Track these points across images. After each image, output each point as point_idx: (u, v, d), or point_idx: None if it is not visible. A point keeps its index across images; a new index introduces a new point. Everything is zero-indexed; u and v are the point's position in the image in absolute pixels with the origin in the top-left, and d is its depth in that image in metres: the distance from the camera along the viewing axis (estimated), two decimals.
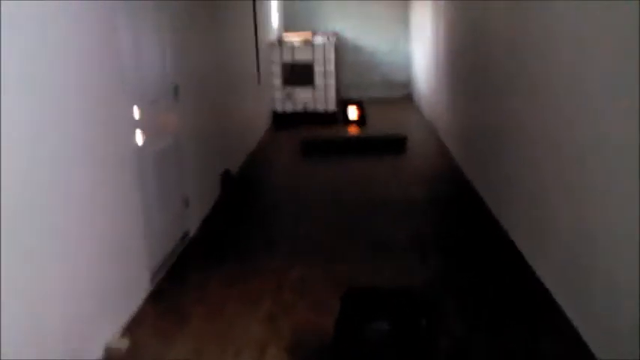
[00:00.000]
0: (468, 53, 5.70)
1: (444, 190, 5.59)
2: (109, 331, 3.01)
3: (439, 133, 7.69)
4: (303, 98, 9.12)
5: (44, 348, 2.41)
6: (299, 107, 9.13)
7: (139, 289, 3.44)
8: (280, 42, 9.05)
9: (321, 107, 9.12)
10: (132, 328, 3.17)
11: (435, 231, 4.52)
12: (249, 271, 3.84)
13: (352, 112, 8.84)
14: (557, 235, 3.30)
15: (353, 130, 8.56)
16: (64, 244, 2.61)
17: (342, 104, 9.08)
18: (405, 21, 11.16)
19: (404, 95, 11.14)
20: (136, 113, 3.47)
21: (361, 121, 8.78)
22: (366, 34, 11.16)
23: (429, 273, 3.77)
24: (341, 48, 10.48)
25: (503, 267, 3.81)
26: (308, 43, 8.99)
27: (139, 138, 3.51)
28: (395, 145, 7.15)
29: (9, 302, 2.16)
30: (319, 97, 9.09)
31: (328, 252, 4.14)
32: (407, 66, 11.20)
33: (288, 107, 9.15)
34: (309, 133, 7.79)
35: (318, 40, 9.05)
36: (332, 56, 8.96)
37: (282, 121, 9.05)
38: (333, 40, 9.15)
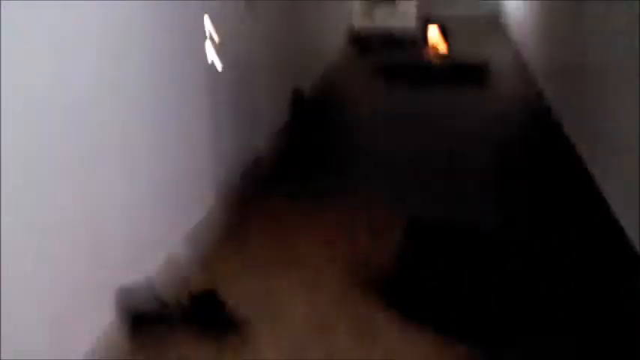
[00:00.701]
0: None
1: (527, 131, 5.25)
2: (178, 234, 3.07)
3: (528, 63, 7.19)
4: (383, 16, 8.72)
5: (106, 255, 2.49)
6: (378, 25, 8.76)
7: (206, 199, 3.47)
8: None
9: (400, 26, 8.71)
10: (198, 235, 3.23)
11: (515, 181, 4.28)
12: (313, 197, 3.81)
13: (434, 33, 8.38)
14: None
15: (433, 54, 8.15)
16: (126, 162, 2.63)
17: (423, 24, 8.62)
18: None
19: (491, 15, 10.44)
20: (207, 24, 3.38)
21: (443, 43, 8.32)
22: None
23: (503, 219, 3.60)
24: None
25: (598, 239, 3.28)
26: None
27: (210, 51, 3.43)
28: (477, 70, 6.77)
29: (74, 217, 2.21)
30: (400, 15, 8.67)
31: (396, 184, 4.03)
32: None
33: (368, 25, 8.80)
34: (386, 55, 7.49)
35: None
36: None
37: (359, 39, 8.73)
38: None
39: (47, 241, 2.06)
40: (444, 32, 8.33)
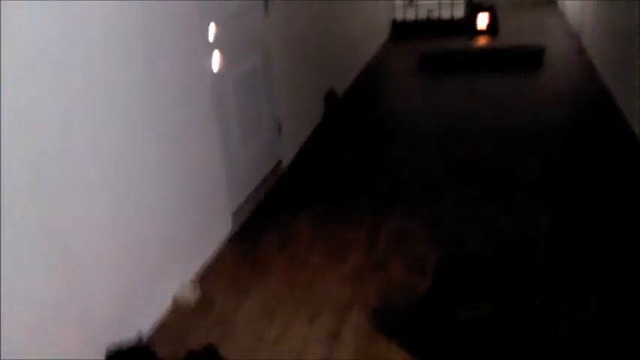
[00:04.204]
0: None
1: (586, 120, 4.67)
2: (180, 278, 2.75)
3: (586, 47, 6.51)
4: (427, 4, 8.16)
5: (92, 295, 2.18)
6: (422, 15, 8.21)
7: (218, 231, 3.14)
8: None
9: (447, 15, 8.13)
10: (205, 276, 2.89)
11: (572, 174, 3.74)
12: (342, 213, 3.40)
13: (482, 21, 7.78)
14: None
15: (482, 42, 7.56)
16: (131, 184, 2.31)
17: (471, 11, 8.02)
18: None
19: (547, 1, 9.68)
20: (212, 32, 3.02)
21: (492, 31, 7.72)
22: None
23: (553, 231, 3.09)
24: None
25: None
26: None
27: (216, 61, 3.07)
28: (530, 59, 6.17)
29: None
30: (446, 2, 8.09)
31: (437, 195, 3.57)
32: None
33: (410, 15, 8.26)
34: (432, 46, 6.95)
35: None
36: None
37: (402, 31, 8.20)
38: None
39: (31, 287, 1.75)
40: (495, 19, 7.72)
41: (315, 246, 3.09)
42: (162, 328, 2.54)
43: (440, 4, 8.09)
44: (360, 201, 3.55)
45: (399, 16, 8.27)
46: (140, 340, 2.26)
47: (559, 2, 9.21)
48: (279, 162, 3.96)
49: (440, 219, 3.26)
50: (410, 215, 3.32)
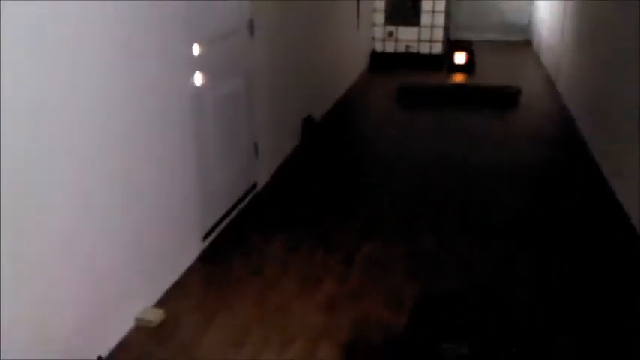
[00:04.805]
0: None
1: (557, 160, 4.73)
2: (145, 300, 2.63)
3: (560, 90, 6.65)
4: (407, 39, 8.26)
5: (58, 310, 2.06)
6: (401, 48, 8.30)
7: (187, 252, 3.04)
8: None
9: (425, 50, 8.25)
10: (172, 298, 2.78)
11: (544, 213, 3.77)
12: (316, 239, 3.33)
13: (459, 58, 7.91)
14: None
15: (459, 78, 7.67)
16: (98, 201, 2.21)
17: (450, 47, 8.16)
18: None
19: (522, 40, 9.93)
20: (196, 52, 2.96)
21: (469, 68, 7.85)
22: None
23: (527, 272, 3.08)
24: None
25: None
26: None
27: (198, 80, 3.01)
28: (505, 99, 6.27)
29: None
30: (424, 38, 8.21)
31: (412, 226, 3.54)
32: (528, 6, 9.92)
33: (389, 48, 8.35)
34: (409, 79, 7.02)
35: None
36: None
37: (380, 62, 8.27)
38: None
39: None
40: (471, 55, 7.86)
41: (288, 270, 3.01)
42: (125, 350, 2.42)
43: (419, 39, 8.21)
44: (334, 226, 3.49)
45: (379, 48, 8.35)
46: None
47: (534, 45, 9.45)
48: (255, 184, 3.89)
49: (416, 249, 3.23)
50: (385, 244, 3.28)
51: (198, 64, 2.99)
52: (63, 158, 2.05)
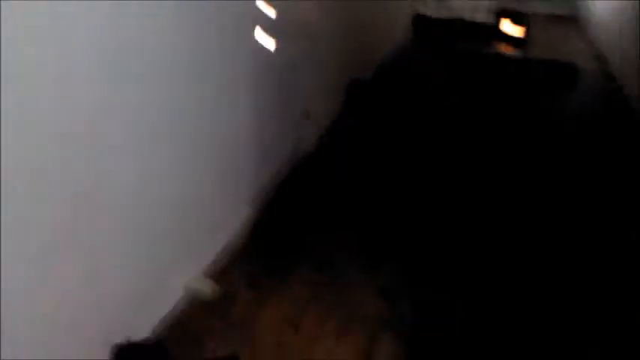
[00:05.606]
0: None
1: (611, 151, 4.47)
2: (194, 267, 2.50)
3: (614, 70, 6.30)
4: (457, 4, 7.84)
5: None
6: (451, 14, 7.84)
7: (237, 214, 2.88)
8: None
9: (479, 17, 7.79)
10: (221, 266, 2.64)
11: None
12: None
13: (511, 27, 7.47)
14: None
15: (509, 50, 7.26)
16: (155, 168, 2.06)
17: (498, 16, 7.73)
18: None
19: (570, 14, 9.42)
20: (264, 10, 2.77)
21: (522, 41, 7.40)
22: None
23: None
24: None
25: None
26: None
27: (262, 37, 2.82)
28: (561, 78, 5.92)
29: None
30: (476, 4, 7.78)
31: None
32: None
33: (437, 13, 7.92)
34: (457, 48, 6.68)
35: None
36: None
37: (427, 29, 7.83)
38: None
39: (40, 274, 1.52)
40: (526, 26, 7.41)
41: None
42: (176, 325, 2.28)
43: (470, 4, 7.77)
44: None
45: (425, 12, 7.89)
46: (152, 337, 2.03)
47: (583, 19, 9.00)
48: (302, 146, 3.72)
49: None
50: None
51: (265, 22, 2.79)
52: (119, 120, 1.88)
